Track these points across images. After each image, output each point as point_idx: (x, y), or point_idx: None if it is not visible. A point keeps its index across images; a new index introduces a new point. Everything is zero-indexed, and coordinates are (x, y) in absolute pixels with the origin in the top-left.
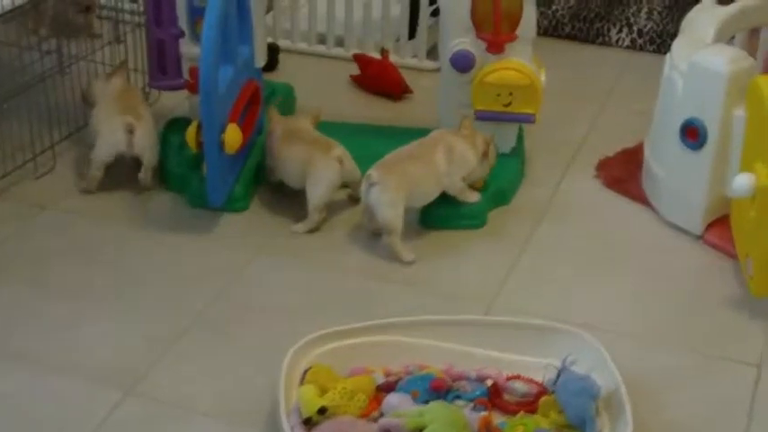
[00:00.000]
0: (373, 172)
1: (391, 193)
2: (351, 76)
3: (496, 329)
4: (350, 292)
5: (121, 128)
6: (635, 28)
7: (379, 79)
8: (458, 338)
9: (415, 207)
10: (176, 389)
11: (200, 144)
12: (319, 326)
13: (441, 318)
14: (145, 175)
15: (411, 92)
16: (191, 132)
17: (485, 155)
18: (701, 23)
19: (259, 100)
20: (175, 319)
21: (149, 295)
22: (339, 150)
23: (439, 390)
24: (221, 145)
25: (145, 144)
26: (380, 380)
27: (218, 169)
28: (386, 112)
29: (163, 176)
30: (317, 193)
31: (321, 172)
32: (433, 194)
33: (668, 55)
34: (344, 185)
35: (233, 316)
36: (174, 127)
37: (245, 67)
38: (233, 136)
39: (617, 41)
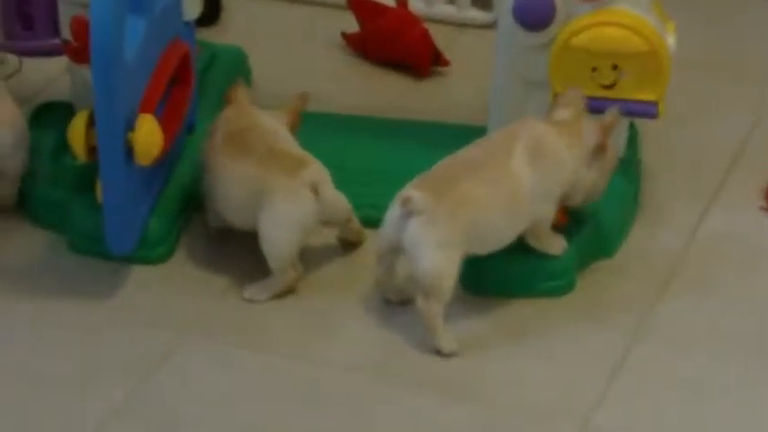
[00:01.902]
0: (413, 191)
1: (443, 229)
2: (344, 34)
3: None
4: (341, 403)
5: None
6: None
7: (392, 41)
8: None
9: (477, 254)
10: None
11: (91, 149)
12: None
13: None
14: (10, 189)
15: (446, 63)
16: (76, 129)
17: (599, 151)
18: None
19: (190, 74)
20: None
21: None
22: (313, 171)
23: None
24: (128, 151)
25: (4, 133)
26: None
27: (123, 193)
28: (403, 97)
29: (27, 203)
30: (278, 241)
31: (282, 208)
32: (509, 232)
33: None
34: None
35: None
36: (44, 120)
37: (167, 21)
38: (148, 136)
39: None
